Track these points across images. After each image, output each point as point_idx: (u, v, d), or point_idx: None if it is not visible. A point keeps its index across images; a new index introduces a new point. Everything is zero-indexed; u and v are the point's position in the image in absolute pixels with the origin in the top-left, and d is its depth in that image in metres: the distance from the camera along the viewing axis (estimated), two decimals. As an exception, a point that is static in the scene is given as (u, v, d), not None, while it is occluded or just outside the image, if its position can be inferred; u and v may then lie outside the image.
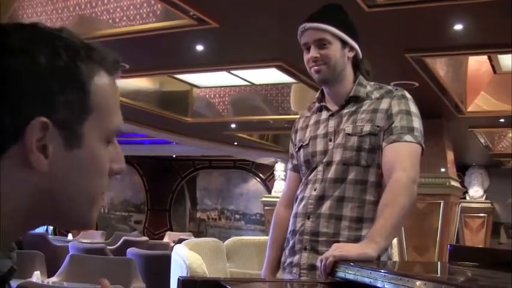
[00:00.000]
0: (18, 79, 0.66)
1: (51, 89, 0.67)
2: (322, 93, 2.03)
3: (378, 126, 1.86)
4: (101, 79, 0.72)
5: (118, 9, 4.96)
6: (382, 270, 1.27)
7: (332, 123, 1.95)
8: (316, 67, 1.90)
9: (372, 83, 1.98)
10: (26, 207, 0.68)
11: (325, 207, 1.87)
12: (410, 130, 1.84)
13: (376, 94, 1.93)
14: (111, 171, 0.75)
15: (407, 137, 1.82)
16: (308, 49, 1.92)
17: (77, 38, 0.72)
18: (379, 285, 1.20)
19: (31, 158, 0.66)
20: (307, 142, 1.99)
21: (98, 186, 0.73)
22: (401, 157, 1.81)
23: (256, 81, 7.53)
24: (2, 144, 0.66)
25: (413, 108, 1.89)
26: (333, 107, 1.98)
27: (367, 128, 1.87)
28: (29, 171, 0.67)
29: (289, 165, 2.14)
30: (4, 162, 0.66)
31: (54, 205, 0.70)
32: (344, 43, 1.91)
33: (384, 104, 1.89)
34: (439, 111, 6.58)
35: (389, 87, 1.96)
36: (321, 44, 1.88)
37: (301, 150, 2.00)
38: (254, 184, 14.40)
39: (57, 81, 0.68)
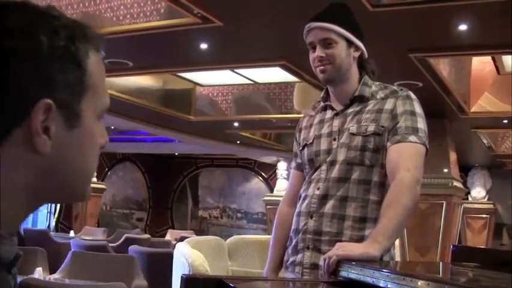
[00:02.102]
0: (23, 61, 0.65)
1: (53, 69, 0.67)
2: (327, 92, 2.03)
3: (383, 126, 1.86)
4: (93, 57, 0.73)
5: (122, 7, 4.96)
6: (385, 270, 1.27)
7: (336, 123, 1.95)
8: (321, 67, 1.90)
9: (377, 83, 1.98)
10: (28, 190, 0.68)
11: (329, 207, 1.87)
12: (415, 131, 1.84)
13: (381, 94, 1.93)
14: (99, 146, 0.77)
15: (412, 138, 1.82)
16: (314, 48, 1.91)
17: (67, 17, 0.72)
18: (381, 285, 1.20)
19: (36, 140, 0.66)
20: (311, 141, 1.99)
21: (93, 161, 0.75)
22: (406, 157, 1.80)
23: (260, 80, 7.53)
24: (5, 128, 0.65)
25: (418, 108, 1.89)
26: (338, 107, 1.98)
27: (371, 127, 1.86)
28: (32, 153, 0.67)
29: (293, 164, 2.14)
30: (6, 146, 0.65)
31: (55, 184, 0.71)
32: (350, 43, 1.90)
33: (389, 104, 1.89)
34: (442, 111, 6.57)
35: (394, 88, 1.95)
36: (327, 43, 1.88)
37: (305, 149, 2.00)
38: (256, 183, 14.40)
39: (58, 61, 0.67)
